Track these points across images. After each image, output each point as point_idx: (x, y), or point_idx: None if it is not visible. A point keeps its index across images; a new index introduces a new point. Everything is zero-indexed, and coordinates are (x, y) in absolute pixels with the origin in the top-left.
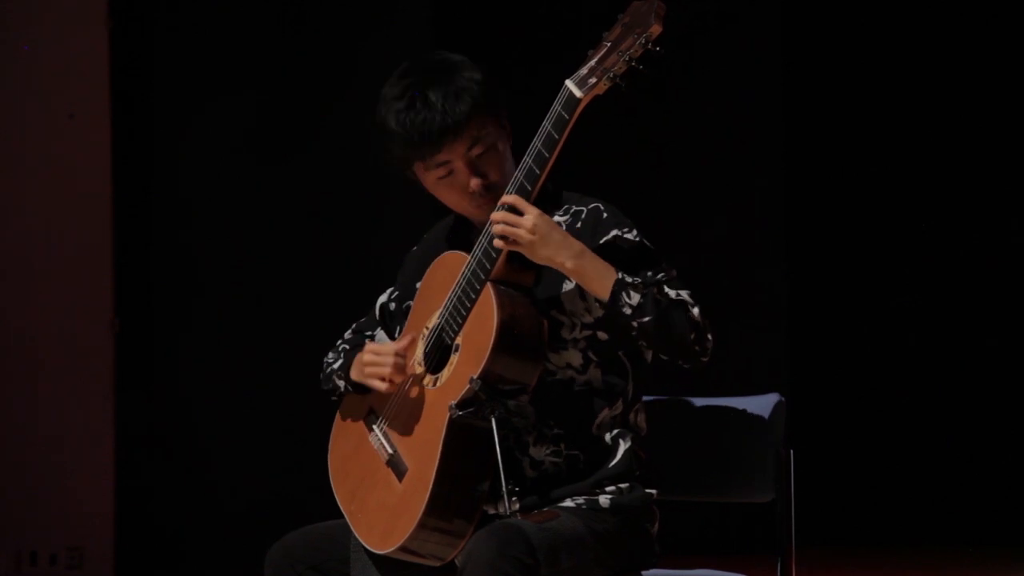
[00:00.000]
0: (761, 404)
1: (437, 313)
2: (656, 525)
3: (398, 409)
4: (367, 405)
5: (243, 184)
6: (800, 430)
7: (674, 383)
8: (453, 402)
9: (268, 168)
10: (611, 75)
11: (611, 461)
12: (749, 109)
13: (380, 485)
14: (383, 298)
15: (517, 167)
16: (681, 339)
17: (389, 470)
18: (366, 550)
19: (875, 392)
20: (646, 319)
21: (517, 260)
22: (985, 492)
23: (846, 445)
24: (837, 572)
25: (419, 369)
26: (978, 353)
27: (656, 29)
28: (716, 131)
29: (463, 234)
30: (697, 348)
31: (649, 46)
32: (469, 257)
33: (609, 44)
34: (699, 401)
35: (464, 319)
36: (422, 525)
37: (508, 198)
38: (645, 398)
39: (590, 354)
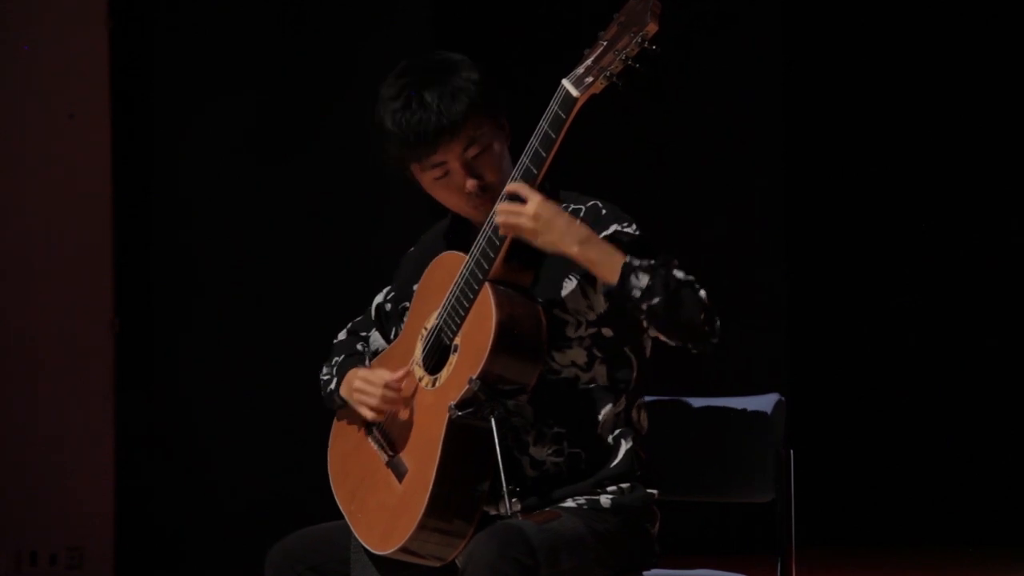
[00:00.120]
0: (761, 404)
1: (435, 313)
2: (657, 525)
3: (398, 410)
4: None
5: (243, 184)
6: (800, 430)
7: (674, 383)
8: (452, 403)
9: (268, 168)
10: (608, 74)
11: (612, 461)
12: (749, 109)
13: (380, 486)
14: (379, 298)
15: (515, 167)
16: (691, 320)
17: (389, 471)
18: (366, 551)
19: (875, 392)
20: (656, 300)
21: (516, 259)
22: (985, 492)
23: (846, 445)
24: (837, 572)
25: (418, 370)
26: (978, 353)
27: (652, 27)
28: (716, 131)
29: (461, 234)
30: (707, 328)
31: (645, 45)
32: (467, 257)
33: (605, 43)
34: (699, 401)
35: (463, 319)
36: (422, 526)
37: (511, 186)
38: (646, 399)
39: (595, 351)
